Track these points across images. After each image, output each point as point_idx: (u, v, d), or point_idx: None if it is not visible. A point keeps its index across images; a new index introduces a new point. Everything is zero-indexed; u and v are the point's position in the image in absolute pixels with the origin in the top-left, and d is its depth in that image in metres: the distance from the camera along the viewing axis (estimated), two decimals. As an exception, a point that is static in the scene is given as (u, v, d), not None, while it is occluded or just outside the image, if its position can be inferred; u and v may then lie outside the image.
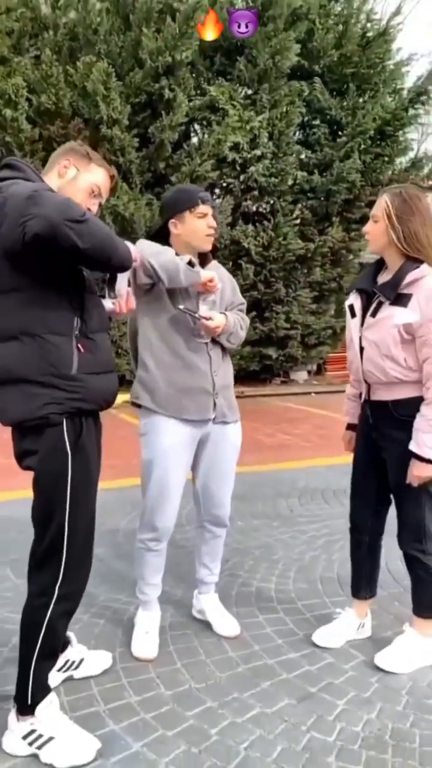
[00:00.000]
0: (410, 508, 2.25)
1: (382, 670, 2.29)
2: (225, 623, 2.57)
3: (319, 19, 9.62)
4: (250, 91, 9.35)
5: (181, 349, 2.32)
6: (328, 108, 9.86)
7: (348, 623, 2.50)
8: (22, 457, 1.83)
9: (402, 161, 10.78)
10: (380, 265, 2.30)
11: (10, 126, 7.70)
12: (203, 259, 2.46)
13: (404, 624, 2.45)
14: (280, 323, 9.97)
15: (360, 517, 2.45)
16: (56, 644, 1.85)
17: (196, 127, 9.60)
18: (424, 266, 2.13)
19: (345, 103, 9.91)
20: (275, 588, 2.99)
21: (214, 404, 2.37)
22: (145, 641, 2.42)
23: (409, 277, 2.11)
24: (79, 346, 1.76)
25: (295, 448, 6.30)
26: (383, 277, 2.25)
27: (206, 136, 9.10)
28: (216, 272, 2.41)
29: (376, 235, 2.19)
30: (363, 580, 2.49)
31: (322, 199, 10.05)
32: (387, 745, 1.91)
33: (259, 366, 10.52)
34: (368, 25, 10.25)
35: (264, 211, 9.83)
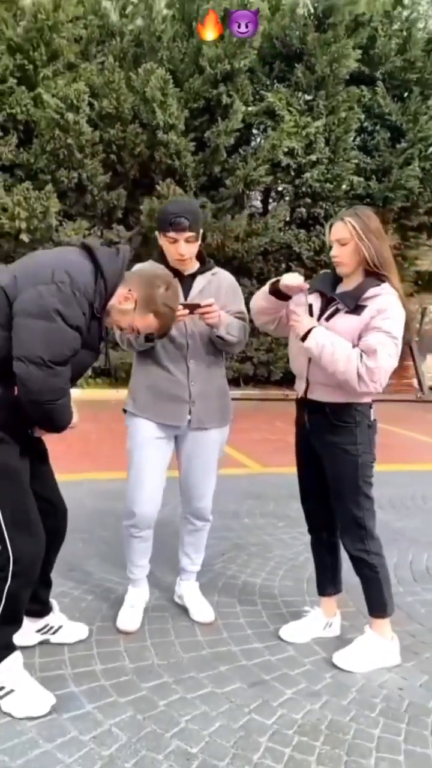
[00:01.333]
0: (349, 509, 2.35)
1: (338, 668, 2.39)
2: (200, 609, 2.73)
3: (381, 26, 9.57)
4: (308, 97, 9.41)
5: (162, 360, 2.50)
6: (388, 113, 9.79)
7: (315, 621, 2.61)
8: None
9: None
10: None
11: (72, 129, 8.09)
12: (200, 264, 2.57)
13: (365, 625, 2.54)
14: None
15: (315, 518, 2.56)
16: (17, 611, 2.05)
17: (254, 132, 9.75)
18: (385, 285, 2.23)
19: (407, 109, 9.81)
20: (261, 583, 3.12)
21: (190, 411, 2.52)
22: (129, 614, 2.62)
23: (370, 292, 2.22)
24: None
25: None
26: (342, 287, 2.35)
27: (262, 141, 9.23)
28: (216, 277, 2.56)
29: (347, 257, 2.28)
30: (326, 577, 2.60)
31: (379, 205, 9.98)
32: (320, 733, 2.02)
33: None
34: (435, 29, 10.11)
35: (318, 216, 9.87)
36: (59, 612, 2.49)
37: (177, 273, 2.47)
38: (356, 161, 9.89)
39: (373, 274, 2.26)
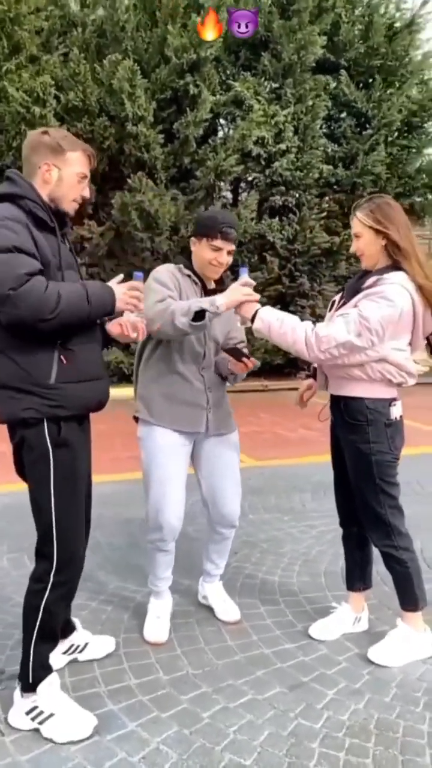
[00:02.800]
0: (370, 506, 2.34)
1: (374, 663, 2.36)
2: (226, 609, 2.69)
3: (345, 12, 9.55)
4: (275, 86, 9.34)
5: (178, 367, 2.44)
6: (353, 101, 9.80)
7: (344, 617, 2.59)
8: (15, 451, 1.99)
9: (431, 152, 10.65)
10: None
11: (38, 123, 7.85)
12: (221, 282, 2.56)
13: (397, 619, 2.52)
14: (305, 317, 9.94)
15: (346, 510, 2.53)
16: (54, 627, 1.98)
17: (222, 122, 9.64)
18: (394, 274, 2.20)
19: (371, 96, 9.83)
20: (279, 580, 3.08)
21: (207, 418, 2.48)
22: (156, 626, 2.55)
23: (370, 281, 2.21)
24: (62, 357, 1.89)
25: (315, 443, 6.32)
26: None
27: (231, 131, 9.14)
28: None
29: (364, 248, 2.27)
30: (356, 572, 2.57)
31: (348, 192, 10.00)
32: (371, 734, 1.99)
33: (283, 360, 10.54)
34: (396, 15, 10.13)
35: (290, 205, 9.84)
36: (82, 629, 2.41)
37: (201, 284, 2.50)
38: (324, 149, 9.88)
39: (393, 263, 2.23)
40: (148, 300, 2.25)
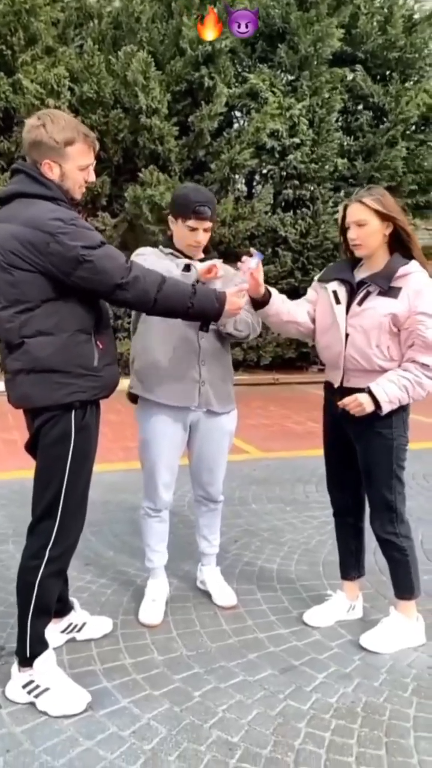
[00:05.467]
0: (381, 492, 2.35)
1: (366, 650, 2.40)
2: (223, 594, 2.74)
3: (364, 3, 9.47)
4: (291, 78, 9.30)
5: (173, 339, 2.44)
6: (370, 94, 9.73)
7: (338, 604, 2.62)
8: (34, 437, 2.04)
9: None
10: (356, 261, 2.37)
11: (53, 115, 7.91)
12: (205, 253, 2.55)
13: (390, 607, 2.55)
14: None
15: (342, 503, 2.56)
16: (49, 602, 2.04)
17: (237, 114, 9.63)
18: (414, 263, 2.21)
19: (388, 89, 9.75)
20: (277, 568, 3.12)
21: (199, 392, 2.48)
22: (151, 608, 2.61)
23: (401, 271, 2.21)
24: (98, 342, 2.00)
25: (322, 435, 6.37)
26: (363, 272, 2.33)
27: (245, 123, 9.13)
28: (223, 266, 2.51)
29: (366, 237, 2.25)
30: (350, 561, 2.61)
31: (363, 185, 9.93)
32: (357, 716, 2.03)
33: (295, 353, 10.54)
34: (416, 6, 10.02)
35: (304, 198, 9.81)
36: (80, 609, 2.47)
37: (186, 258, 2.48)
38: (339, 142, 9.82)
39: (399, 252, 2.24)
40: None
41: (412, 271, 2.21)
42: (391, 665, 2.32)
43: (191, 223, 2.38)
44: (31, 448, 2.06)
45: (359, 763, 1.83)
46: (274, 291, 2.39)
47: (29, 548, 2.02)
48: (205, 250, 2.57)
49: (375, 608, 2.70)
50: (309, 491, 4.42)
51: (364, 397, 2.20)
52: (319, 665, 2.31)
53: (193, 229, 2.39)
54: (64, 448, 1.97)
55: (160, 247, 2.54)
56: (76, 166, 1.98)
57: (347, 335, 2.30)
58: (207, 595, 2.79)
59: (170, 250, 2.49)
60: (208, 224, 2.42)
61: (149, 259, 2.36)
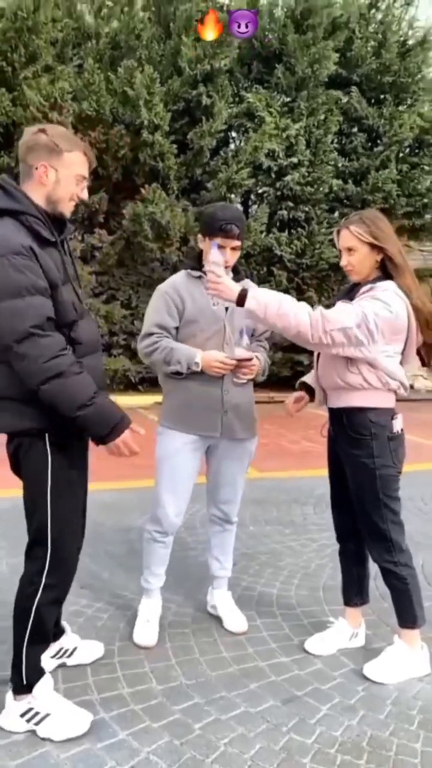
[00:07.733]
0: (372, 520, 2.32)
1: (370, 680, 2.34)
2: (233, 619, 2.69)
3: (359, 28, 9.62)
4: (287, 99, 9.40)
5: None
6: (365, 117, 9.85)
7: (340, 632, 2.56)
8: (12, 460, 2.00)
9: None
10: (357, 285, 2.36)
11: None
12: (234, 274, 2.53)
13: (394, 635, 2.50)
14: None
15: (343, 526, 2.52)
16: (46, 629, 1.98)
17: (233, 134, 9.71)
18: (384, 283, 2.20)
19: (382, 112, 9.88)
20: (277, 593, 3.06)
21: (222, 421, 2.48)
22: (146, 629, 2.56)
23: (365, 288, 2.21)
24: None
25: (318, 455, 6.28)
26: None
27: (242, 143, 9.20)
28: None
29: (358, 263, 2.25)
30: (353, 588, 2.55)
31: (358, 208, 10.03)
32: (363, 751, 1.97)
33: (290, 372, 10.54)
34: (409, 32, 10.20)
35: (299, 219, 9.87)
36: (71, 633, 2.40)
37: None
38: (334, 164, 9.92)
39: (393, 275, 2.23)
40: (146, 317, 2.49)
41: (375, 287, 2.20)
42: (396, 696, 2.26)
43: (218, 241, 2.36)
44: (15, 471, 2.02)
45: (367, 801, 1.77)
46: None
47: (26, 574, 1.97)
48: (235, 270, 2.55)
49: (377, 636, 2.64)
50: (307, 513, 4.37)
51: (228, 280, 2.12)
52: (323, 696, 2.24)
53: (221, 248, 2.36)
54: (43, 474, 1.91)
55: (188, 270, 2.52)
56: (72, 174, 1.89)
57: (318, 355, 2.36)
58: (206, 620, 2.73)
59: (199, 273, 2.46)
60: (237, 243, 2.39)
61: (161, 309, 2.45)
